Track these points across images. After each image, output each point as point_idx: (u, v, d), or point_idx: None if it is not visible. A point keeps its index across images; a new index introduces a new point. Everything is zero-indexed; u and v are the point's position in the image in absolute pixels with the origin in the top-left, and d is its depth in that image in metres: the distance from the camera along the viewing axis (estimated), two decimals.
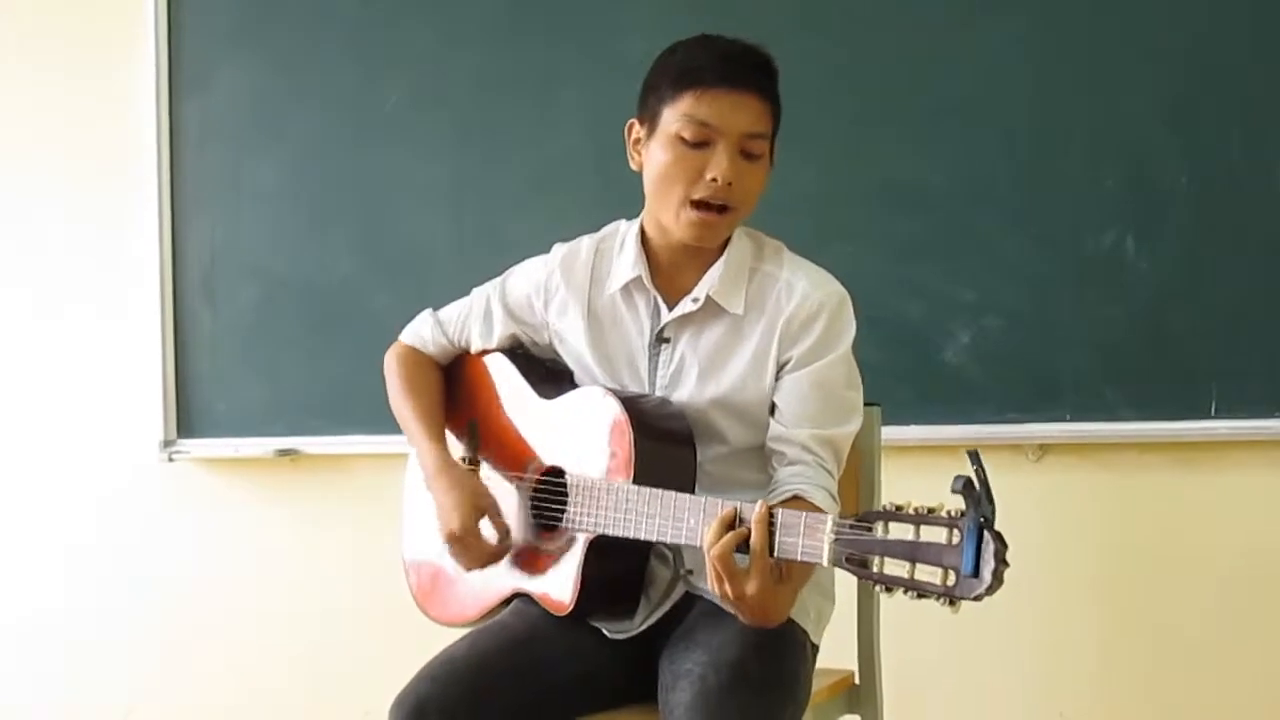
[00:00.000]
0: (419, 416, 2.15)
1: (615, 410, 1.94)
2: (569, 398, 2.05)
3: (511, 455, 2.10)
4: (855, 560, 1.61)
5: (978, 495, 1.50)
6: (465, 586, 2.11)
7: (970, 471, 1.52)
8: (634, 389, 2.05)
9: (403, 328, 2.27)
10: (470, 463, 2.13)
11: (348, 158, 3.22)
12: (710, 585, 1.76)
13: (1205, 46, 2.65)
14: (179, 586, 3.42)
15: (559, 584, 1.96)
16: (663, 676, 1.91)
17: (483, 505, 2.03)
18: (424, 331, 2.24)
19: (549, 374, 2.13)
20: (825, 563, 1.65)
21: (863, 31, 2.84)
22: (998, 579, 1.51)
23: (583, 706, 2.00)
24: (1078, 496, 2.77)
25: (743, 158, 1.94)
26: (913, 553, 1.55)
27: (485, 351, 2.19)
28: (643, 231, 2.06)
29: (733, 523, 1.74)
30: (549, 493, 2.01)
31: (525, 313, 2.15)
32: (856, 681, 2.27)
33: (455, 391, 2.21)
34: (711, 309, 2.00)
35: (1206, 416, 2.64)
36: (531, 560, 2.02)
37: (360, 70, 3.20)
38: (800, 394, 1.96)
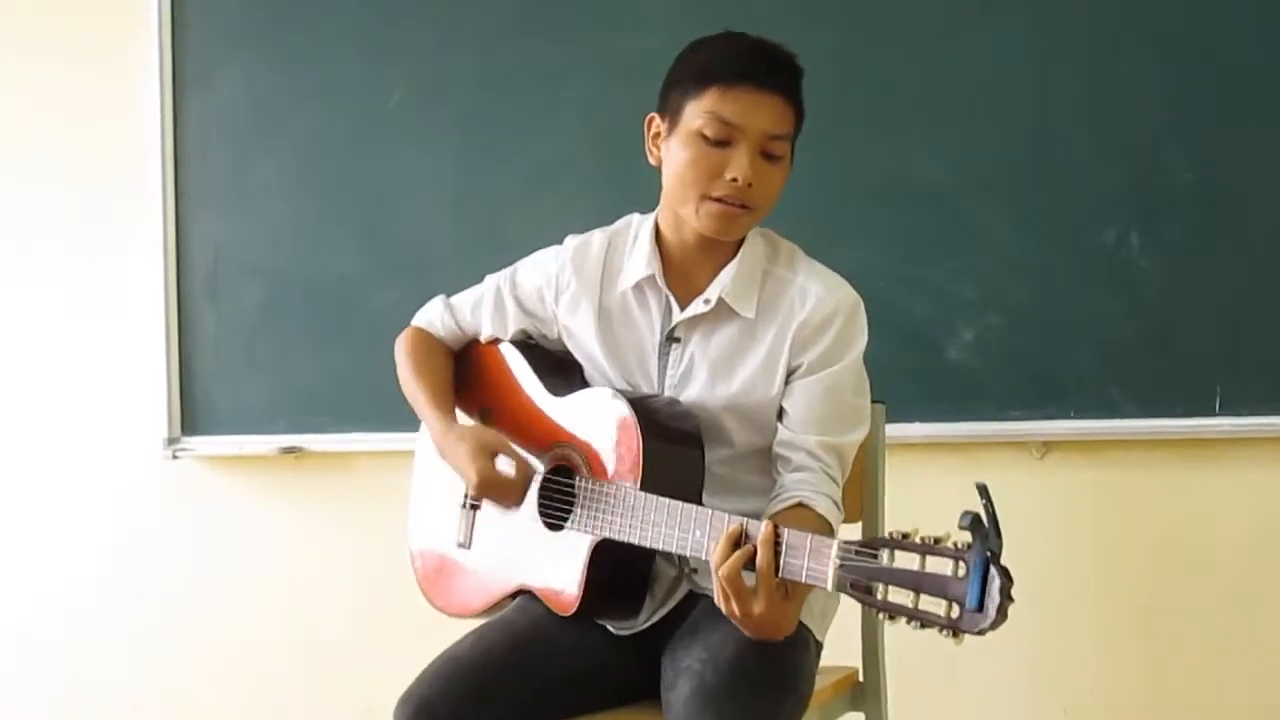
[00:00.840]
0: (428, 392, 2.13)
1: (624, 412, 1.93)
2: (578, 396, 2.04)
3: (521, 449, 2.09)
4: (859, 587, 1.60)
5: (985, 530, 1.50)
6: (471, 579, 2.11)
7: (978, 504, 1.51)
8: (644, 387, 2.04)
9: (406, 324, 2.27)
10: None
11: (350, 156, 3.22)
12: (717, 601, 1.74)
13: (1209, 43, 2.65)
14: (182, 584, 3.42)
15: (564, 583, 1.96)
16: (665, 673, 1.91)
17: (493, 445, 2.01)
18: (435, 317, 2.23)
19: (559, 369, 2.12)
20: (829, 588, 1.64)
21: (866, 29, 2.84)
22: (1002, 614, 1.51)
23: (587, 703, 2.00)
24: (1082, 494, 2.77)
25: (763, 158, 1.92)
26: (917, 582, 1.55)
27: (496, 341, 2.18)
28: (657, 228, 2.05)
29: (739, 540, 1.73)
30: (556, 491, 2.00)
31: (535, 306, 2.14)
32: (860, 679, 2.27)
33: (467, 381, 2.20)
34: (723, 310, 1.99)
35: (1211, 414, 2.64)
36: (537, 558, 2.01)
37: (362, 69, 3.20)
38: (809, 400, 1.96)
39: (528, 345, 2.17)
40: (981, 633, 1.51)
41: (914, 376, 2.75)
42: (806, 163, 2.72)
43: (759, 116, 1.91)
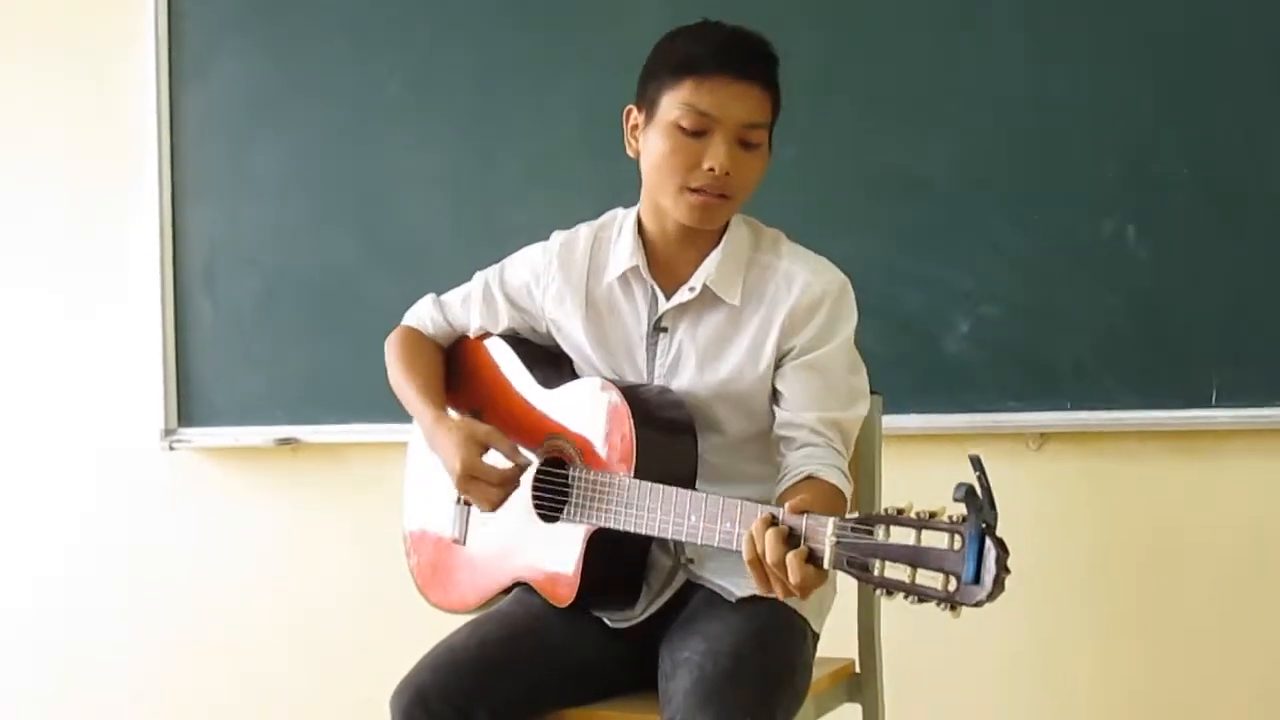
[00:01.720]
0: (418, 387, 2.14)
1: (615, 401, 1.94)
2: (569, 388, 2.05)
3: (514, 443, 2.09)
4: (856, 564, 1.60)
5: (980, 502, 1.50)
6: (467, 573, 2.12)
7: (972, 477, 1.51)
8: (633, 378, 2.05)
9: (402, 316, 2.28)
10: None
11: (347, 148, 3.21)
12: (761, 590, 1.72)
13: (1204, 34, 2.64)
14: (179, 575, 3.42)
15: (560, 574, 1.96)
16: (663, 665, 1.92)
17: (483, 438, 2.00)
18: (425, 314, 2.24)
19: (549, 362, 2.13)
20: (826, 565, 1.63)
21: (861, 21, 2.83)
22: (999, 586, 1.50)
23: (583, 695, 2.00)
24: (1078, 485, 2.77)
25: (740, 147, 1.93)
26: (914, 557, 1.55)
27: (485, 336, 2.19)
28: (639, 220, 2.06)
29: (770, 525, 1.70)
30: (550, 483, 2.01)
31: (524, 300, 2.15)
32: (857, 670, 2.27)
33: (458, 377, 2.21)
34: (709, 298, 2.00)
35: (1207, 405, 2.64)
36: (533, 550, 2.02)
37: (359, 60, 3.20)
38: (804, 380, 1.96)
39: (517, 339, 2.17)
40: (979, 604, 1.51)
41: (910, 368, 2.75)
42: (803, 155, 2.75)
43: (735, 106, 1.91)
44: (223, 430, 3.31)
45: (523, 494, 2.04)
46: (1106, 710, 2.78)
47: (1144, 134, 2.67)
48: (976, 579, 1.50)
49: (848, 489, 1.91)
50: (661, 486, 1.84)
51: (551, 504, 2.00)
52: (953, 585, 1.52)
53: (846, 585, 2.16)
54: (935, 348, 2.77)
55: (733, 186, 1.94)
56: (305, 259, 3.24)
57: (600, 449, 1.95)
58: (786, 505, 1.69)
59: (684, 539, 1.83)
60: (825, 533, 1.63)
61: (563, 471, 1.99)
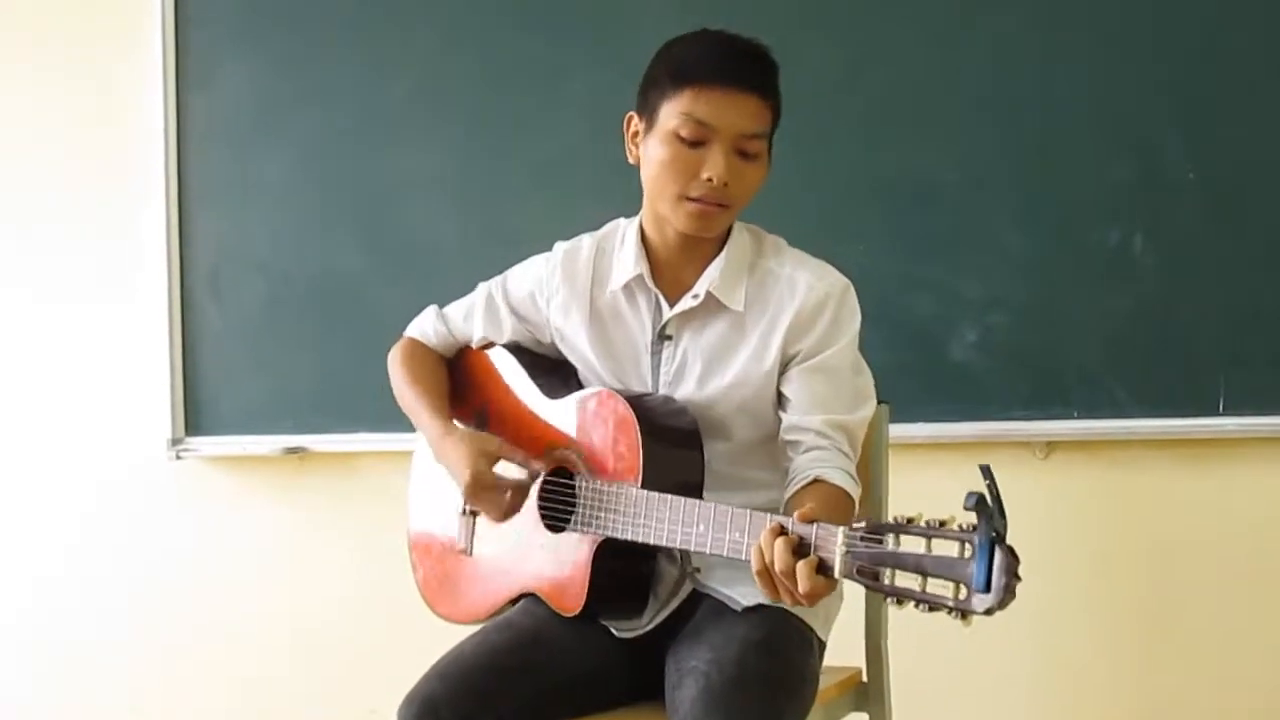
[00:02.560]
0: (423, 399, 2.14)
1: (622, 411, 1.93)
2: (574, 398, 2.04)
3: (521, 456, 2.09)
4: (867, 573, 1.60)
5: (990, 511, 1.50)
6: (473, 584, 2.11)
7: (982, 486, 1.51)
8: (638, 387, 2.05)
9: (409, 323, 2.27)
10: None
11: (353, 154, 3.21)
12: (767, 596, 1.72)
13: (1211, 39, 2.64)
14: (185, 584, 3.42)
15: (568, 585, 1.96)
16: (669, 674, 1.91)
17: (492, 450, 2.01)
18: (428, 326, 2.24)
19: (553, 371, 2.13)
20: (836, 574, 1.63)
21: (867, 28, 2.84)
22: (1010, 593, 1.50)
23: (591, 705, 2.00)
24: (1085, 493, 2.77)
25: (739, 157, 1.93)
26: (924, 566, 1.55)
27: (488, 346, 2.19)
28: (641, 229, 2.06)
29: (779, 535, 1.69)
30: (557, 493, 2.01)
31: (528, 310, 2.15)
32: (864, 679, 2.27)
33: (462, 387, 2.21)
34: (712, 305, 2.00)
35: (1214, 413, 2.63)
36: (540, 560, 2.01)
37: (365, 66, 3.20)
38: (809, 383, 1.97)
39: (520, 349, 2.17)
40: (989, 612, 1.51)
41: (917, 376, 2.75)
42: (811, 163, 2.75)
43: (733, 116, 1.91)
44: (230, 439, 3.30)
45: (529, 504, 2.04)
46: (1113, 717, 2.77)
47: (1151, 141, 2.67)
48: (987, 587, 1.50)
49: (855, 491, 1.90)
50: (669, 496, 1.84)
51: (558, 514, 1.99)
52: (963, 593, 1.52)
53: (853, 594, 2.16)
54: (942, 356, 2.77)
55: (731, 196, 1.94)
56: (312, 265, 3.24)
57: (606, 459, 1.94)
58: (795, 514, 1.68)
59: (692, 549, 1.82)
60: (835, 541, 1.63)
61: (569, 481, 1.99)
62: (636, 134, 2.01)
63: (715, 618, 1.96)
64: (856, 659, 2.26)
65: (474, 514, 2.07)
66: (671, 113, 1.93)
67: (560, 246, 2.14)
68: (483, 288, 2.21)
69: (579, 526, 1.95)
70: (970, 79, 2.77)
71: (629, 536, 1.88)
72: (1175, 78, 2.66)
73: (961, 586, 1.52)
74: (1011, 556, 1.50)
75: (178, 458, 3.32)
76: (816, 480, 1.88)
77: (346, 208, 3.22)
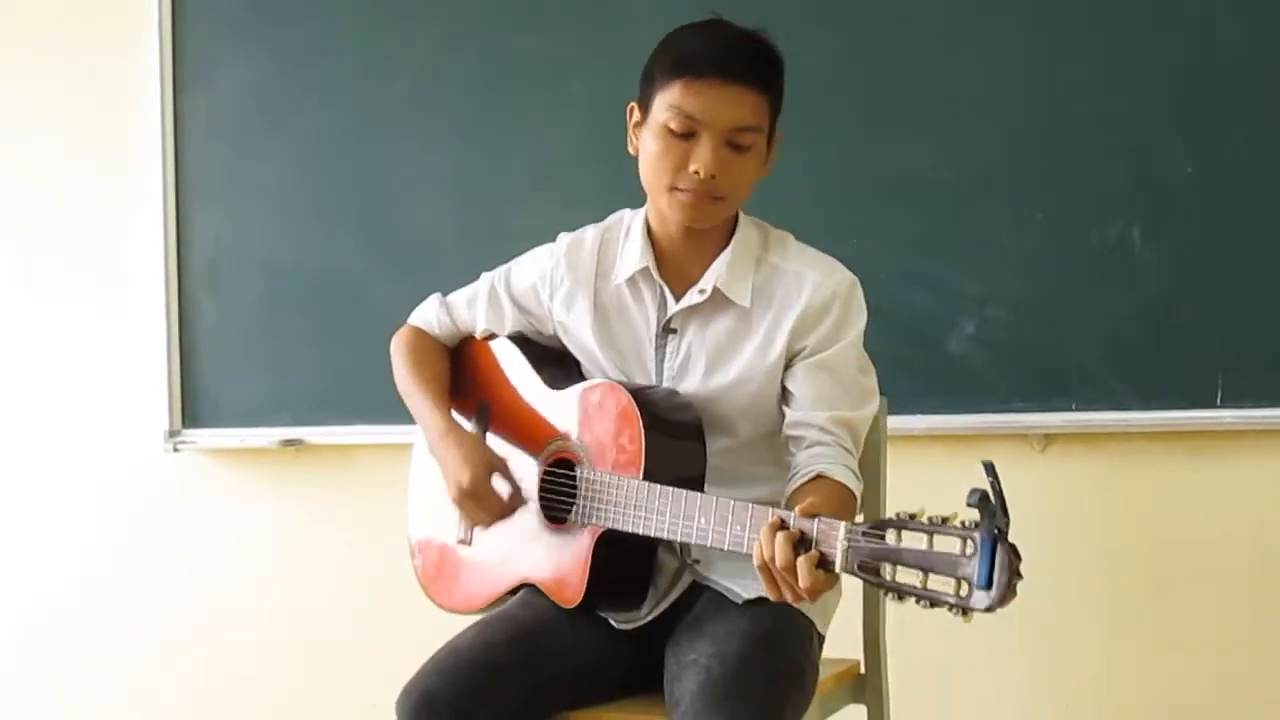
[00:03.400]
0: (424, 390, 2.14)
1: (625, 402, 1.93)
2: (577, 389, 2.04)
3: (520, 444, 2.09)
4: (868, 568, 1.60)
5: (993, 508, 1.50)
6: (472, 574, 2.12)
7: (985, 482, 1.51)
8: (641, 380, 2.04)
9: (406, 317, 2.28)
10: None
11: (352, 150, 3.21)
12: (770, 595, 1.72)
13: (1209, 37, 2.64)
14: (183, 576, 3.42)
15: (567, 576, 1.96)
16: (669, 667, 1.92)
17: (493, 461, 2.02)
18: (431, 315, 2.24)
19: (556, 363, 2.13)
20: (838, 569, 1.63)
21: (867, 25, 2.83)
22: (1011, 591, 1.50)
23: (590, 697, 2.00)
24: (1083, 487, 2.77)
25: (729, 149, 1.92)
26: (925, 562, 1.55)
27: (491, 337, 2.19)
28: (647, 221, 2.05)
29: (780, 530, 1.70)
30: (558, 484, 2.01)
31: (530, 303, 2.15)
32: (862, 671, 2.27)
33: (464, 378, 2.21)
34: (719, 300, 2.00)
35: (1212, 406, 2.63)
36: (539, 551, 2.02)
37: (364, 63, 3.20)
38: (815, 379, 1.96)
39: (524, 339, 2.17)
40: (990, 610, 1.51)
41: (915, 370, 2.75)
42: (810, 159, 2.75)
43: (722, 110, 1.90)
44: (227, 431, 3.30)
45: (530, 496, 2.04)
46: (1113, 712, 2.78)
47: (1149, 136, 2.67)
48: (988, 584, 1.50)
49: (858, 488, 1.90)
50: (670, 489, 1.84)
51: (559, 505, 2.00)
52: (964, 590, 1.52)
53: (851, 587, 2.16)
54: (941, 349, 2.77)
55: (721, 188, 1.94)
56: (310, 261, 3.24)
57: (608, 451, 1.94)
58: (797, 509, 1.68)
59: (693, 541, 1.83)
60: (837, 537, 1.63)
61: (570, 473, 1.99)
62: (636, 124, 2.00)
63: (715, 610, 1.96)
64: (855, 651, 2.27)
65: None
66: (663, 105, 1.93)
67: (564, 237, 2.13)
68: (486, 278, 2.20)
69: (579, 518, 1.95)
70: (970, 76, 2.77)
71: (629, 528, 1.88)
72: (1174, 74, 2.66)
73: (963, 583, 1.52)
74: (1013, 554, 1.50)
75: (175, 450, 3.33)
76: (819, 476, 1.88)
77: (344, 204, 3.22)
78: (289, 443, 3.25)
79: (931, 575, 1.54)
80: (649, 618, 2.01)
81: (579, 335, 2.09)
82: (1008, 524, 1.51)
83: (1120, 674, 2.77)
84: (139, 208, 3.35)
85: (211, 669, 3.41)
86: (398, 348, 2.22)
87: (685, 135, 1.92)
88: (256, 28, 3.28)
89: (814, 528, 1.66)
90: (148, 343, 3.34)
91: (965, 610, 1.52)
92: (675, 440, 1.94)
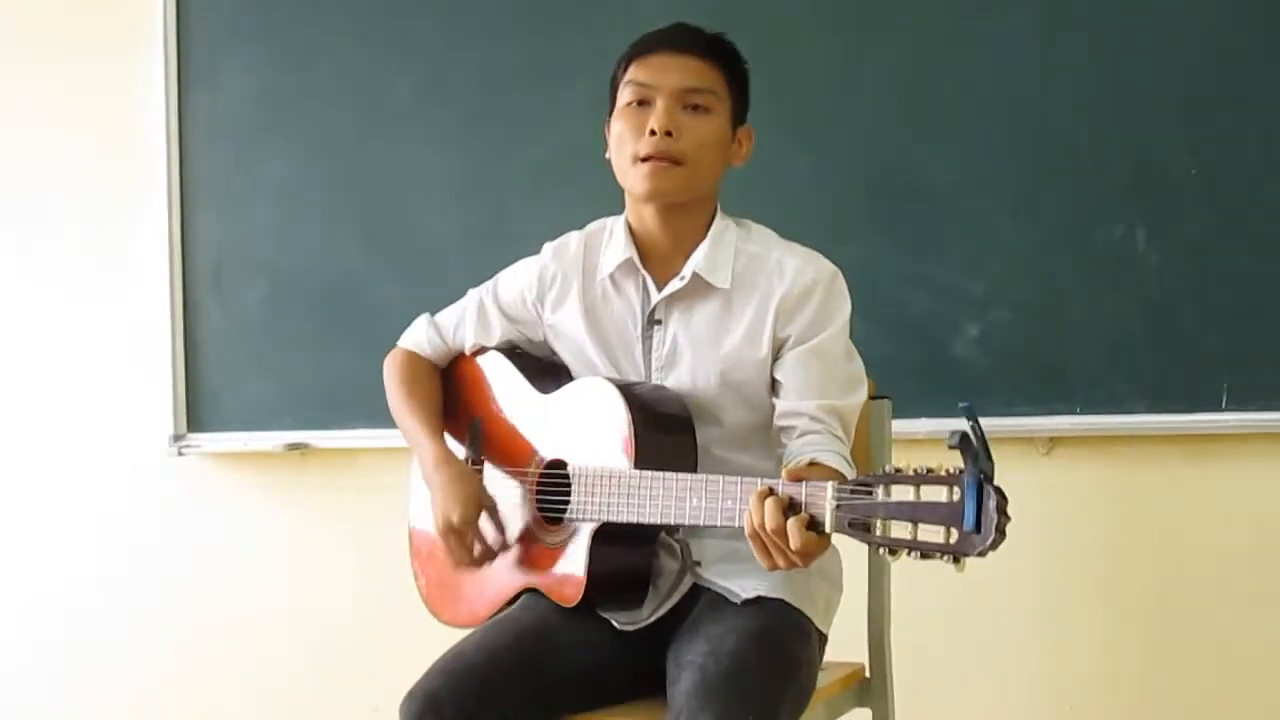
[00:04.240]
0: (417, 417, 2.17)
1: (613, 398, 1.95)
2: (567, 390, 2.06)
3: (514, 452, 2.10)
4: (858, 525, 1.61)
5: (975, 450, 1.50)
6: (474, 589, 2.12)
7: (966, 427, 1.51)
8: (631, 375, 2.06)
9: (410, 320, 2.28)
10: (474, 463, 2.13)
11: (355, 152, 3.22)
12: (763, 562, 1.73)
13: (1212, 37, 2.64)
14: (188, 580, 3.42)
15: (568, 573, 1.97)
16: (669, 669, 1.92)
17: (484, 501, 2.06)
18: (421, 337, 2.26)
19: (545, 369, 2.15)
20: (828, 529, 1.65)
21: (870, 26, 2.83)
22: (1000, 533, 1.51)
23: (593, 699, 2.00)
24: (1087, 490, 2.76)
25: (684, 111, 1.98)
26: (914, 513, 1.56)
27: (480, 351, 2.21)
28: (628, 221, 2.09)
29: (769, 496, 1.72)
30: (552, 486, 2.02)
31: (519, 311, 2.17)
32: (867, 675, 2.27)
33: (455, 393, 2.23)
34: (699, 286, 2.02)
35: (1217, 409, 2.63)
36: (538, 555, 2.02)
37: (367, 66, 3.20)
38: (803, 367, 1.98)
39: (513, 351, 2.19)
40: (982, 554, 1.52)
41: (919, 372, 2.75)
42: (813, 160, 2.76)
43: (671, 74, 2.00)
44: (232, 435, 3.31)
45: (527, 500, 2.05)
46: (1117, 714, 2.77)
47: (1152, 137, 2.67)
48: (978, 527, 1.51)
49: (850, 474, 1.90)
50: (661, 474, 1.86)
51: (555, 505, 2.00)
52: (954, 536, 1.53)
53: (855, 588, 2.16)
54: (944, 352, 2.77)
55: (680, 149, 1.98)
56: (314, 264, 3.24)
57: (600, 444, 1.95)
58: (784, 473, 1.71)
59: (686, 522, 1.84)
60: (825, 497, 1.65)
61: (563, 473, 2.00)
62: (606, 126, 2.08)
63: (713, 611, 1.96)
64: (860, 654, 2.26)
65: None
66: (622, 91, 2.03)
67: (548, 246, 2.16)
68: (473, 294, 2.23)
69: (575, 514, 1.96)
70: (972, 76, 2.77)
71: (624, 518, 1.89)
72: (1177, 74, 2.66)
73: (952, 530, 1.53)
74: (1000, 495, 1.51)
75: (180, 454, 3.33)
76: (812, 463, 1.88)
77: (348, 206, 3.23)
78: (293, 446, 3.26)
79: (921, 526, 1.55)
80: (650, 619, 2.01)
81: (569, 334, 2.11)
82: (992, 467, 1.52)
83: (1125, 675, 2.76)
84: (143, 211, 3.35)
85: (215, 672, 3.41)
86: (390, 374, 2.24)
87: (642, 104, 1.99)
88: (260, 31, 3.29)
89: (802, 491, 1.68)
90: (152, 346, 3.34)
91: (957, 556, 1.52)
92: (665, 432, 1.96)
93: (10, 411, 3.57)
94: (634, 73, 2.01)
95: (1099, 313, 2.70)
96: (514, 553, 2.07)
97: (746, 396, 2.02)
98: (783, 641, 1.93)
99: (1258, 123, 2.62)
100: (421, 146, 3.16)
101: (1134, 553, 2.76)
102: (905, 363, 2.72)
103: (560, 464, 2.02)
